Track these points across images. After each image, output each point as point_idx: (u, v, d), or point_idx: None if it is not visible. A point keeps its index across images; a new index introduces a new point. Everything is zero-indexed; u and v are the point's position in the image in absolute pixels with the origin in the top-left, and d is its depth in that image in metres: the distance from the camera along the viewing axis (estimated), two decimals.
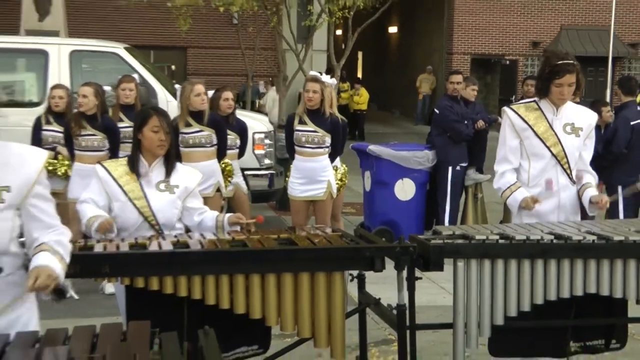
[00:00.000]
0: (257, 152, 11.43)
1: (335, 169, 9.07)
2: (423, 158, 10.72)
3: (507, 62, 29.65)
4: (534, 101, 5.60)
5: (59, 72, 11.49)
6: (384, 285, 5.15)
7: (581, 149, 5.58)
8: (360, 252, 4.74)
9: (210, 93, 9.12)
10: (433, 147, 10.85)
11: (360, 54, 39.46)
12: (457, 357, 4.84)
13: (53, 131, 9.08)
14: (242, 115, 10.36)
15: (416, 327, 4.92)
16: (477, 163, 11.17)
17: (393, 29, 36.23)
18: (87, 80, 9.50)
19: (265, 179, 11.51)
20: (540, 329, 5.15)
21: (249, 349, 4.97)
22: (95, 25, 23.56)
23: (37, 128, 9.17)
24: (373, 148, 10.77)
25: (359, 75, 39.67)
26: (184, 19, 21.27)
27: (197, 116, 8.64)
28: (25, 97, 11.57)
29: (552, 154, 5.46)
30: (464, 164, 10.85)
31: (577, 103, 5.98)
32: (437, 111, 11.13)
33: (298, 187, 8.77)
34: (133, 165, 5.24)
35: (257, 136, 11.41)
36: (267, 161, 11.62)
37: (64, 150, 8.92)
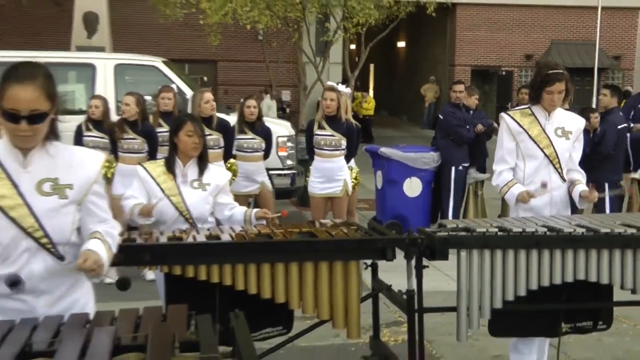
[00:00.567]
0: (280, 154, 11.43)
1: (350, 169, 9.07)
2: (429, 159, 10.71)
3: (504, 73, 29.55)
4: (528, 107, 5.58)
5: (105, 83, 11.53)
6: (395, 272, 5.12)
7: (571, 150, 5.55)
8: (373, 243, 4.73)
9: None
10: (438, 149, 10.84)
11: (372, 66, 39.34)
12: (460, 336, 4.82)
13: (92, 137, 9.06)
14: (267, 121, 10.37)
15: (424, 310, 4.90)
16: (478, 163, 11.15)
17: (401, 44, 36.13)
18: (129, 90, 9.55)
19: (288, 178, 11.51)
20: (535, 311, 5.12)
21: (274, 329, 4.96)
22: (137, 41, 23.61)
23: (78, 134, 9.18)
24: (384, 150, 10.77)
25: (371, 85, 39.63)
26: (215, 35, 21.31)
27: (207, 121, 8.59)
28: (76, 105, 11.59)
29: (545, 155, 5.44)
30: (465, 164, 10.83)
31: (567, 109, 5.96)
32: (441, 117, 11.12)
33: (317, 185, 8.78)
34: (170, 166, 5.26)
35: (280, 140, 11.41)
36: (289, 162, 11.62)
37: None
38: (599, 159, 9.67)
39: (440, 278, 7.40)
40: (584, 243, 4.75)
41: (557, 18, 28.96)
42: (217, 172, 5.43)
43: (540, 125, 5.47)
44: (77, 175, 3.22)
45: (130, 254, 4.34)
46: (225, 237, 4.66)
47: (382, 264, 4.98)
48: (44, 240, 3.14)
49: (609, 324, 5.42)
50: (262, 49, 24.22)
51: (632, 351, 6.42)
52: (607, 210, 9.49)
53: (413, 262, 4.78)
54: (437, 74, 30.53)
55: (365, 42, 21.52)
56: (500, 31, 29.04)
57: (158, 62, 12.09)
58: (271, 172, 10.28)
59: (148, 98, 9.60)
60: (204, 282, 4.42)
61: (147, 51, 16.40)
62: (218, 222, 5.35)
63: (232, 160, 9.24)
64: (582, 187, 5.48)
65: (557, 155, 5.45)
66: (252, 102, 9.50)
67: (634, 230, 4.82)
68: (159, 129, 9.13)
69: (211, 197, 5.25)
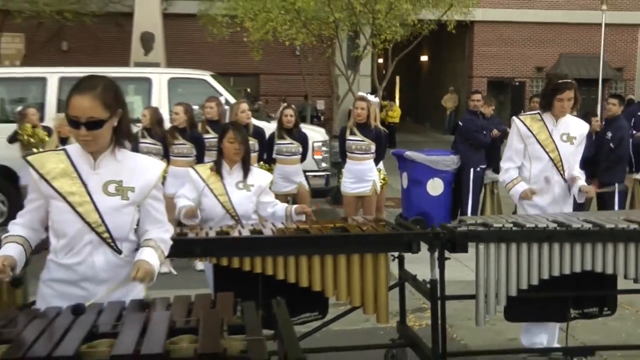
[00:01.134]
0: (316, 157, 11.41)
1: (379, 170, 9.05)
2: (450, 161, 10.65)
3: (517, 84, 29.33)
4: (538, 113, 5.55)
5: (160, 95, 11.59)
6: (420, 264, 5.11)
7: (574, 154, 5.53)
8: (400, 237, 4.73)
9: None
10: (457, 153, 10.77)
11: (397, 78, 39.17)
12: (479, 321, 4.80)
13: (146, 143, 9.10)
14: (304, 127, 10.37)
15: (445, 297, 4.89)
16: (494, 165, 11.06)
17: (424, 58, 35.95)
18: (182, 101, 9.60)
19: (323, 179, 11.49)
20: (547, 298, 5.08)
21: (311, 314, 4.97)
22: (188, 57, 23.68)
23: (135, 141, 9.24)
24: (409, 153, 10.73)
25: (397, 95, 39.47)
26: (257, 51, 21.32)
27: (243, 128, 8.57)
28: (134, 115, 11.68)
29: (550, 158, 5.41)
30: (483, 166, 10.76)
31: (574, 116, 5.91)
32: (461, 124, 11.07)
33: (349, 185, 8.78)
34: (218, 169, 5.29)
35: (316, 144, 11.38)
36: (324, 165, 11.60)
37: None
38: (615, 160, 9.60)
39: (460, 269, 7.34)
40: (590, 237, 4.72)
41: (565, 34, 28.76)
42: (260, 174, 5.46)
43: (548, 130, 5.44)
44: (139, 179, 3.25)
45: (183, 247, 4.38)
46: (267, 232, 4.68)
47: (408, 255, 4.97)
48: (105, 235, 3.17)
49: (613, 309, 5.39)
50: (299, 63, 24.20)
51: (634, 334, 6.36)
52: (616, 206, 9.42)
53: (436, 254, 4.78)
54: (457, 85, 30.41)
55: (392, 57, 21.41)
56: (513, 46, 28.86)
57: (206, 76, 12.13)
58: (308, 173, 10.27)
59: (196, 108, 9.64)
60: (248, 272, 4.44)
61: (197, 66, 16.47)
62: (261, 219, 5.37)
63: (260, 163, 9.16)
64: (581, 182, 5.46)
65: (561, 159, 5.43)
66: (289, 111, 9.50)
67: (636, 226, 4.80)
68: (206, 136, 9.17)
69: (255, 196, 5.27)
